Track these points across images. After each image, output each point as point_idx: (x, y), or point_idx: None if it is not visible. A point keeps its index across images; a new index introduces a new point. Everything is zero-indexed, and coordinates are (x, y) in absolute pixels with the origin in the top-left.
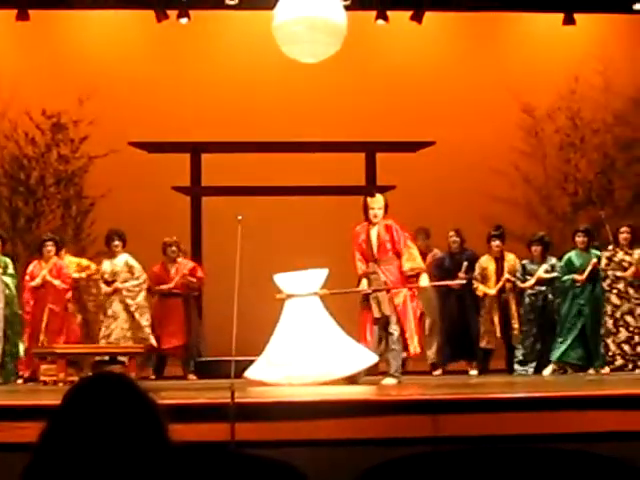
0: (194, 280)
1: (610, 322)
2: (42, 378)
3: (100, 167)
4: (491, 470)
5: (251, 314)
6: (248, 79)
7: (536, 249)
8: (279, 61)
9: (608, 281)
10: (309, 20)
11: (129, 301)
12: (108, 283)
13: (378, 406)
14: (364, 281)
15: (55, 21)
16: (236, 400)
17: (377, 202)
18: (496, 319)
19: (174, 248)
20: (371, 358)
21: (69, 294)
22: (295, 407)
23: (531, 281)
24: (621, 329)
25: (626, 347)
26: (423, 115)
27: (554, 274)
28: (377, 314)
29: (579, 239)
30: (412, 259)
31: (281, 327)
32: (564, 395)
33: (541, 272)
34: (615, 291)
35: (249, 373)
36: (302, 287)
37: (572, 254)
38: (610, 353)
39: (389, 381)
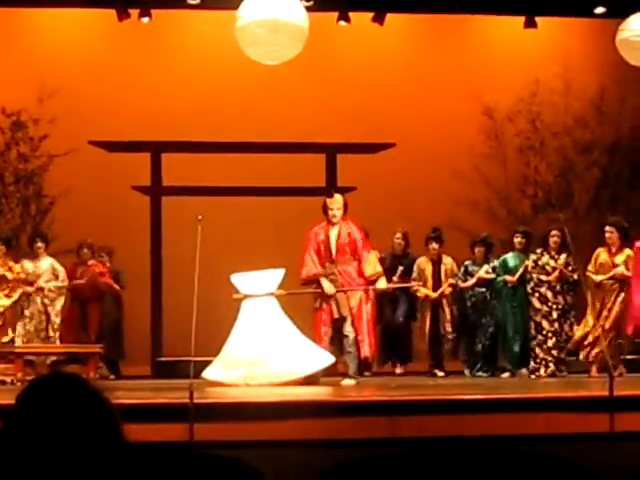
0: (102, 283)
1: (532, 325)
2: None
3: (60, 166)
4: (447, 471)
5: (211, 314)
6: (210, 79)
7: (479, 250)
8: (241, 61)
9: (532, 284)
10: (271, 22)
11: (47, 301)
12: (29, 284)
13: (336, 407)
14: (324, 281)
15: (15, 19)
16: (195, 401)
17: (336, 203)
18: (427, 322)
19: (85, 250)
20: (327, 359)
21: None
22: (254, 408)
23: (471, 281)
24: (538, 333)
25: (537, 350)
26: (384, 117)
27: (493, 275)
28: (336, 315)
29: (517, 240)
30: (372, 263)
31: (238, 327)
32: (520, 397)
33: (482, 272)
34: (537, 294)
35: (206, 373)
36: (259, 287)
37: (508, 255)
38: (530, 356)
39: (348, 382)
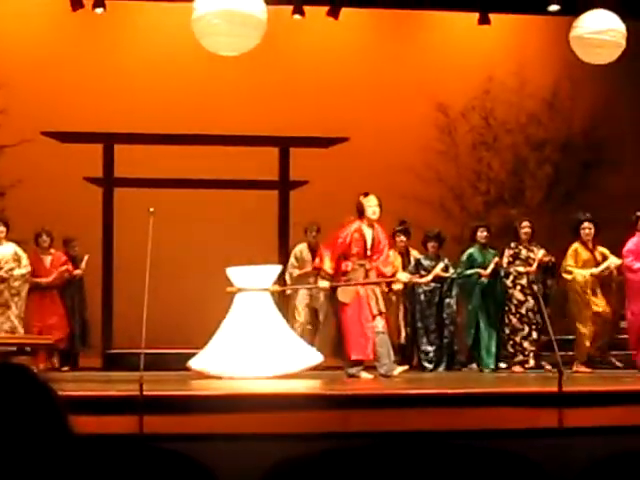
0: (71, 272)
1: (515, 319)
2: None
3: (11, 157)
4: (397, 466)
5: (162, 306)
6: (164, 70)
7: (433, 245)
8: (195, 53)
9: (511, 277)
10: (228, 13)
11: (13, 291)
12: None
13: (289, 401)
14: (321, 282)
15: None
16: (145, 393)
17: (374, 201)
18: (401, 315)
19: (45, 237)
20: (316, 358)
21: None
22: (203, 401)
23: (428, 277)
24: (525, 325)
25: (525, 343)
26: (338, 111)
27: (451, 272)
28: (375, 311)
29: (482, 234)
30: (392, 263)
31: (229, 320)
32: (472, 392)
33: (439, 270)
34: (518, 287)
35: (193, 363)
36: (254, 282)
37: (473, 250)
38: (514, 350)
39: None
